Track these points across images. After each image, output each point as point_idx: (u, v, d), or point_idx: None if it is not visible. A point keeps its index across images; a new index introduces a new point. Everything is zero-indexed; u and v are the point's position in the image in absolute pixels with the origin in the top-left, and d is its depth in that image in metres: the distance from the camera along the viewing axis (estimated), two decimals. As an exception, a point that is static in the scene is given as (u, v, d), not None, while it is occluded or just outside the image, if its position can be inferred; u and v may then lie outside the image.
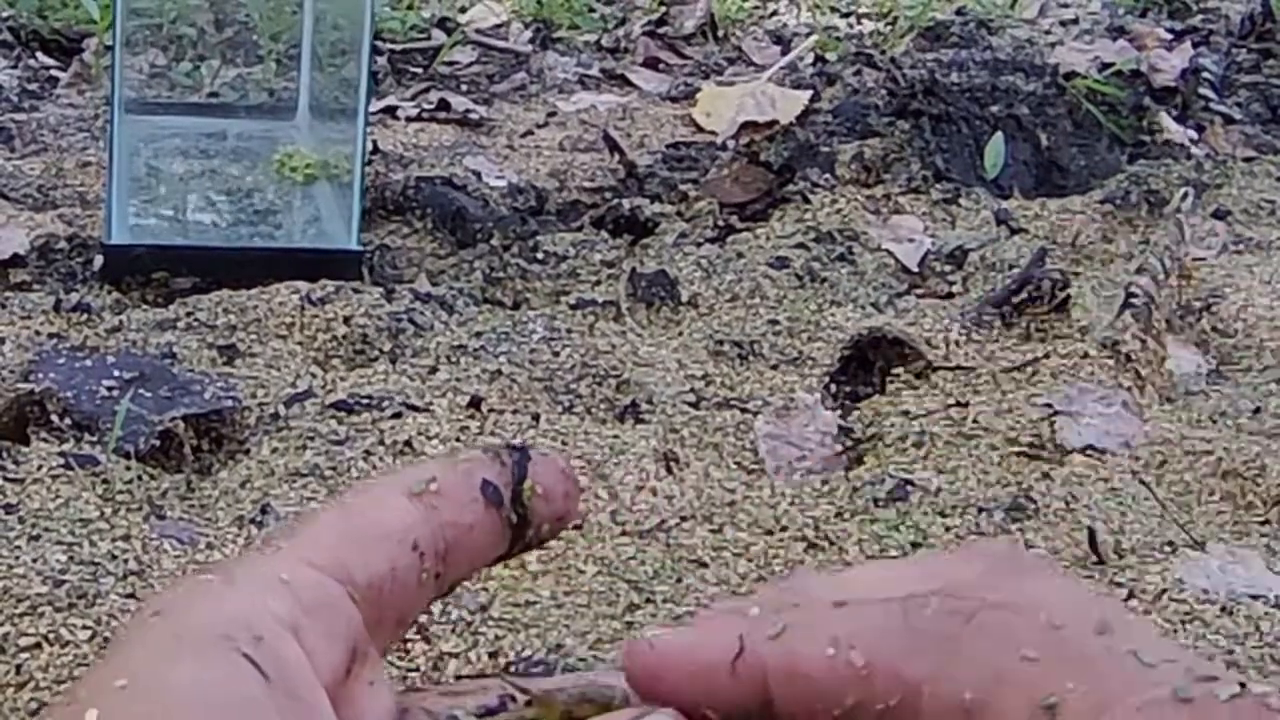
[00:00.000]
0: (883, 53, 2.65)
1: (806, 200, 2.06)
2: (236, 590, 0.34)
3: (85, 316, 1.65)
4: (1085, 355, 1.59)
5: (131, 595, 1.19)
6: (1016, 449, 1.47)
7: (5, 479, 1.32)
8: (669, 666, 0.36)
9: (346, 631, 0.35)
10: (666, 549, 1.30)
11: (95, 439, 1.39)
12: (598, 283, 1.84)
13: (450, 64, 2.77)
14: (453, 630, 1.18)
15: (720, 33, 3.05)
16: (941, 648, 0.33)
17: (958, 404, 1.53)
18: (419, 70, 2.73)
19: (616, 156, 2.26)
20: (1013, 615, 0.33)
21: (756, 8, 3.24)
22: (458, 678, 1.11)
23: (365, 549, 0.36)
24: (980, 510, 1.36)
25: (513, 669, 1.15)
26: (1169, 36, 2.80)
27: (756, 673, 0.35)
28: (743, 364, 1.64)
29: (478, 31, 2.92)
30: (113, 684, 0.31)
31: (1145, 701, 0.31)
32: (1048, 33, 2.95)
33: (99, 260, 1.78)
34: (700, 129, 2.44)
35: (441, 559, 0.38)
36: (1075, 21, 3.09)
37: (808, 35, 2.98)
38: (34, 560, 1.22)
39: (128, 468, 1.35)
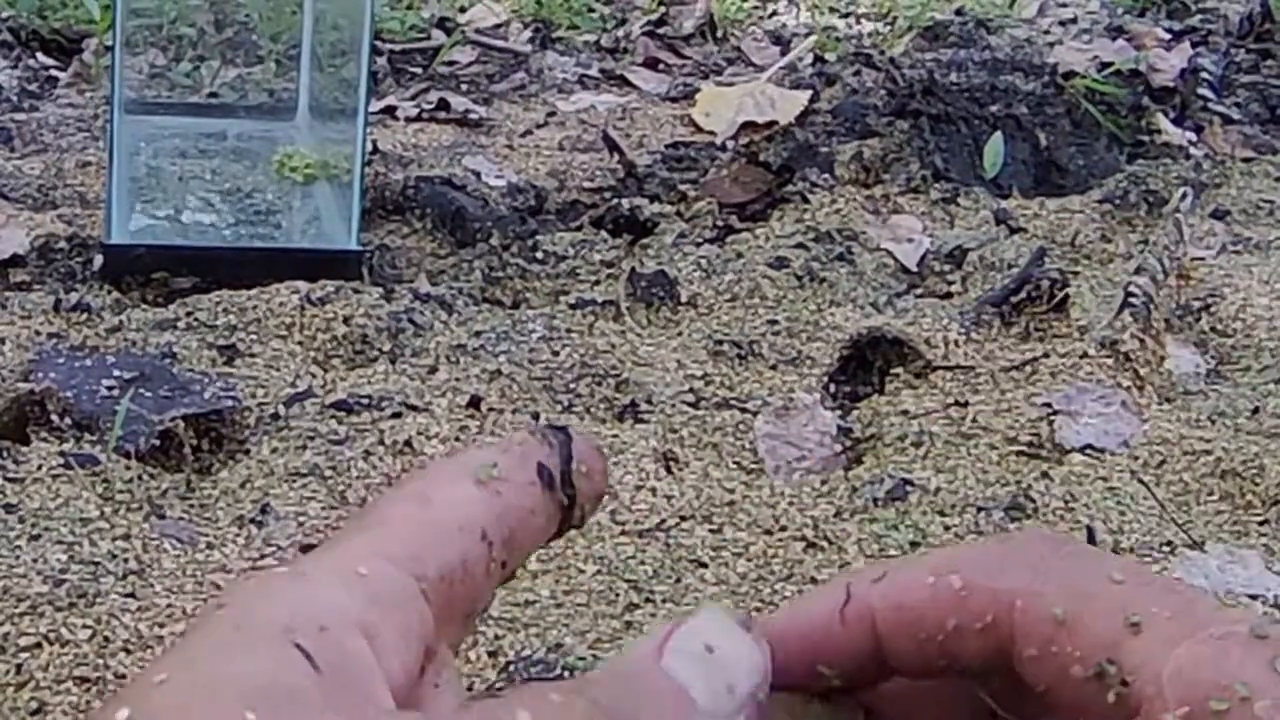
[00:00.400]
0: (882, 53, 2.65)
1: (806, 200, 2.06)
2: (306, 583, 0.33)
3: (85, 316, 1.65)
4: (1084, 355, 1.59)
5: (131, 594, 1.20)
6: (1015, 448, 1.47)
7: (5, 478, 1.32)
8: (782, 633, 0.37)
9: (421, 630, 0.34)
10: (666, 548, 1.30)
11: (95, 439, 1.39)
12: (597, 282, 1.84)
13: (450, 64, 2.77)
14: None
15: (719, 33, 3.05)
16: (1034, 567, 0.35)
17: (957, 403, 1.53)
18: (418, 70, 2.74)
19: (616, 156, 2.26)
20: (1095, 553, 0.36)
21: (756, 8, 3.24)
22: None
23: (438, 541, 0.36)
24: (979, 509, 1.36)
25: (512, 668, 1.15)
26: (1168, 36, 2.80)
27: (865, 615, 0.36)
28: (742, 364, 1.64)
29: (477, 31, 2.92)
30: (154, 679, 0.31)
31: (1225, 633, 0.33)
32: (1046, 32, 2.95)
33: (99, 260, 1.78)
34: (699, 129, 2.45)
35: (506, 546, 0.37)
36: (1074, 21, 3.09)
37: (807, 36, 2.98)
38: (34, 560, 1.22)
39: (128, 467, 1.35)
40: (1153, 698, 0.33)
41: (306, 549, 1.23)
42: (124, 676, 1.12)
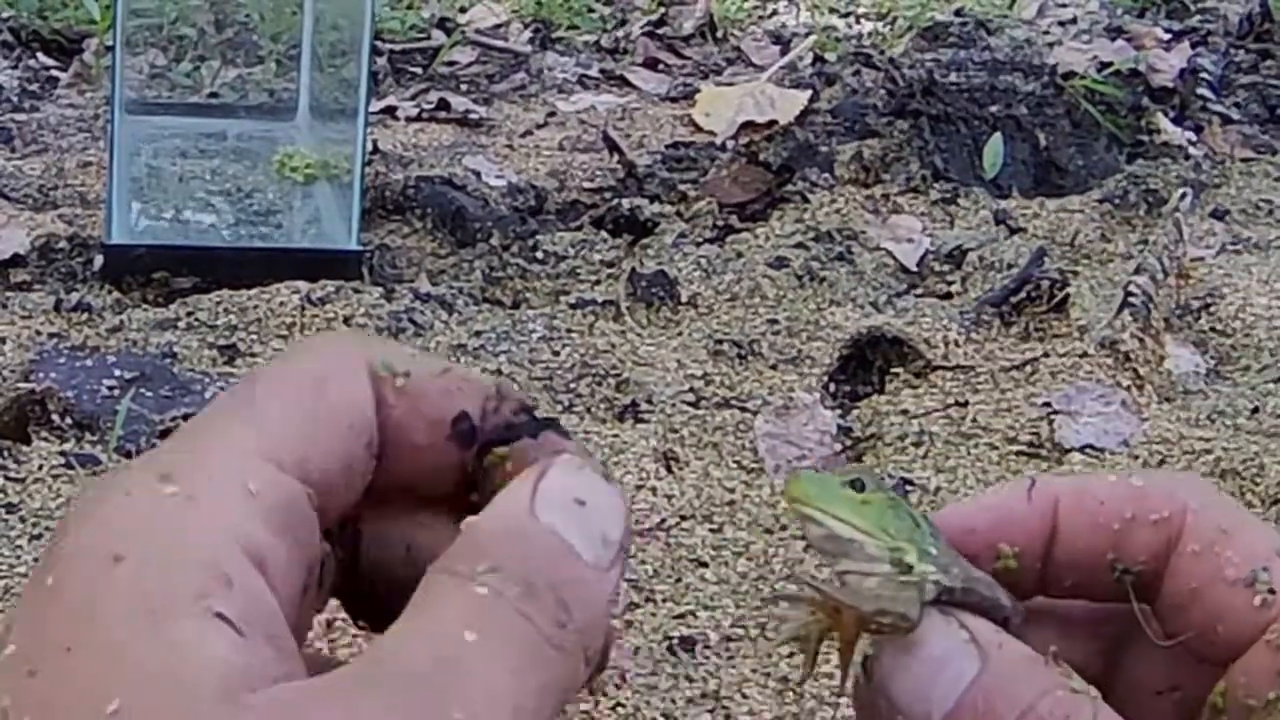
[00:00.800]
0: (882, 53, 2.66)
1: (806, 200, 2.06)
2: (201, 513, 0.31)
3: (86, 316, 1.65)
4: (1084, 354, 1.59)
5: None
6: (1015, 448, 1.47)
7: (6, 478, 1.32)
8: (971, 513, 0.40)
9: (307, 547, 0.33)
10: (666, 548, 1.30)
11: (96, 438, 1.39)
12: (597, 282, 1.84)
13: (450, 64, 2.78)
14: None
15: (719, 33, 3.05)
16: (1203, 491, 0.40)
17: (957, 403, 1.53)
18: (419, 70, 2.74)
19: (616, 156, 2.26)
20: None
21: (756, 8, 3.25)
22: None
23: (326, 440, 0.34)
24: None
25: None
26: (1167, 36, 2.80)
27: (1049, 496, 0.40)
28: (742, 363, 1.64)
29: (477, 32, 2.92)
30: (60, 647, 0.29)
31: None
32: (1046, 33, 2.96)
33: (99, 260, 1.78)
34: (699, 129, 2.45)
35: (378, 460, 0.36)
36: (1074, 22, 3.09)
37: (807, 35, 2.98)
38: (35, 559, 1.22)
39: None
40: None
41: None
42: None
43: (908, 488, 1.39)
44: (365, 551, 0.37)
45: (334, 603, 0.38)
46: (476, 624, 0.31)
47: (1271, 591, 0.37)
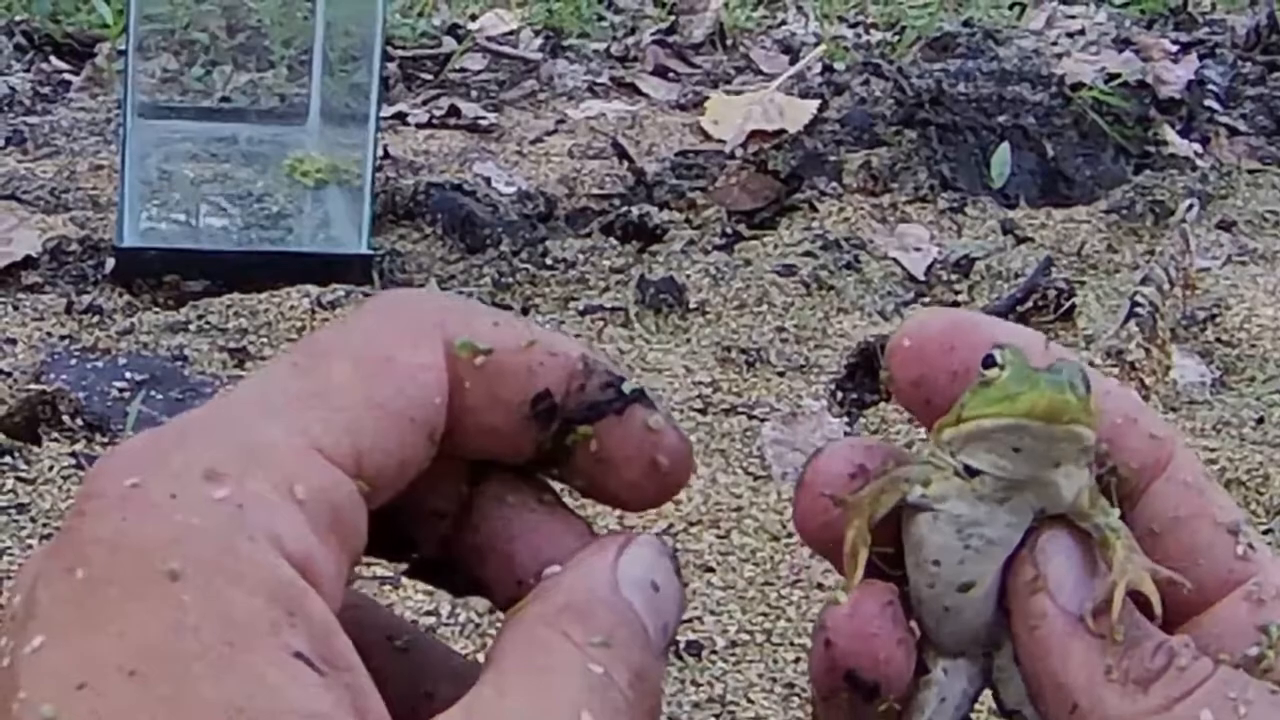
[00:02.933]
0: (890, 62, 2.66)
1: (814, 208, 2.07)
2: (251, 527, 0.29)
3: (97, 318, 1.66)
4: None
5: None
6: (1021, 456, 1.47)
7: (17, 478, 1.33)
8: (1000, 328, 0.38)
9: (353, 545, 0.32)
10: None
11: (106, 439, 1.40)
12: (606, 289, 1.85)
13: (460, 71, 2.78)
14: (460, 632, 1.18)
15: (729, 42, 3.06)
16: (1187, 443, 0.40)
17: (963, 411, 1.54)
18: (429, 77, 2.75)
19: (625, 164, 2.27)
20: None
21: (765, 17, 3.26)
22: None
23: (386, 433, 0.32)
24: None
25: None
26: (1174, 48, 2.81)
27: (1060, 357, 0.38)
28: (750, 370, 1.65)
29: (488, 39, 2.93)
30: (120, 669, 0.28)
31: None
32: (1054, 44, 2.96)
33: (110, 263, 1.79)
34: (709, 137, 2.45)
35: (444, 442, 0.34)
36: (1081, 33, 3.10)
37: (816, 45, 2.99)
38: (46, 559, 1.22)
39: (139, 468, 1.36)
40: (1275, 561, 0.37)
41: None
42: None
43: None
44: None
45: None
46: (592, 708, 0.31)
47: (1252, 546, 0.37)
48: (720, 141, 2.40)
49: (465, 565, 0.37)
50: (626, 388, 0.35)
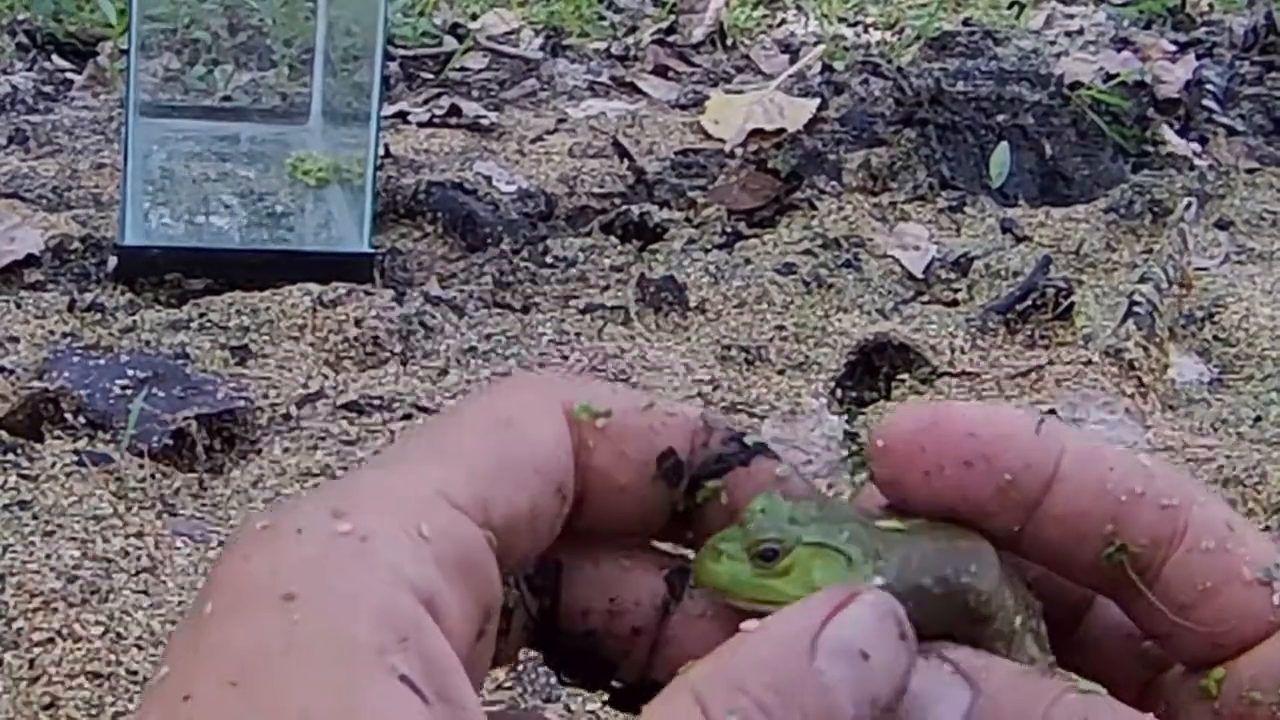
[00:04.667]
0: (890, 62, 2.67)
1: (813, 207, 2.07)
2: (372, 558, 0.30)
3: (99, 316, 1.67)
4: (1088, 362, 1.60)
5: (144, 591, 1.21)
6: (1019, 454, 1.48)
7: (20, 476, 1.33)
8: (980, 417, 0.36)
9: (483, 592, 0.32)
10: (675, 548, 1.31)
11: (109, 437, 1.40)
12: (606, 287, 1.86)
13: (461, 70, 2.79)
14: None
15: (729, 41, 3.07)
16: (1203, 485, 0.37)
17: (962, 410, 1.54)
18: (430, 76, 2.75)
19: (626, 163, 2.27)
20: None
21: (765, 17, 3.26)
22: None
23: (511, 483, 0.33)
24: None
25: (520, 668, 1.16)
26: (1173, 48, 2.81)
27: (1058, 438, 0.36)
28: (750, 369, 1.66)
29: (489, 38, 2.94)
30: (222, 680, 0.28)
31: None
32: (1053, 44, 2.97)
33: (113, 261, 1.79)
34: (709, 136, 2.46)
35: (574, 505, 0.34)
36: (1080, 33, 3.10)
37: (815, 44, 3.00)
38: (48, 556, 1.23)
39: (141, 466, 1.37)
40: None
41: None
42: (136, 672, 1.13)
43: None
44: (565, 599, 0.36)
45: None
46: None
47: None
48: (720, 141, 2.40)
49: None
50: (749, 440, 0.36)
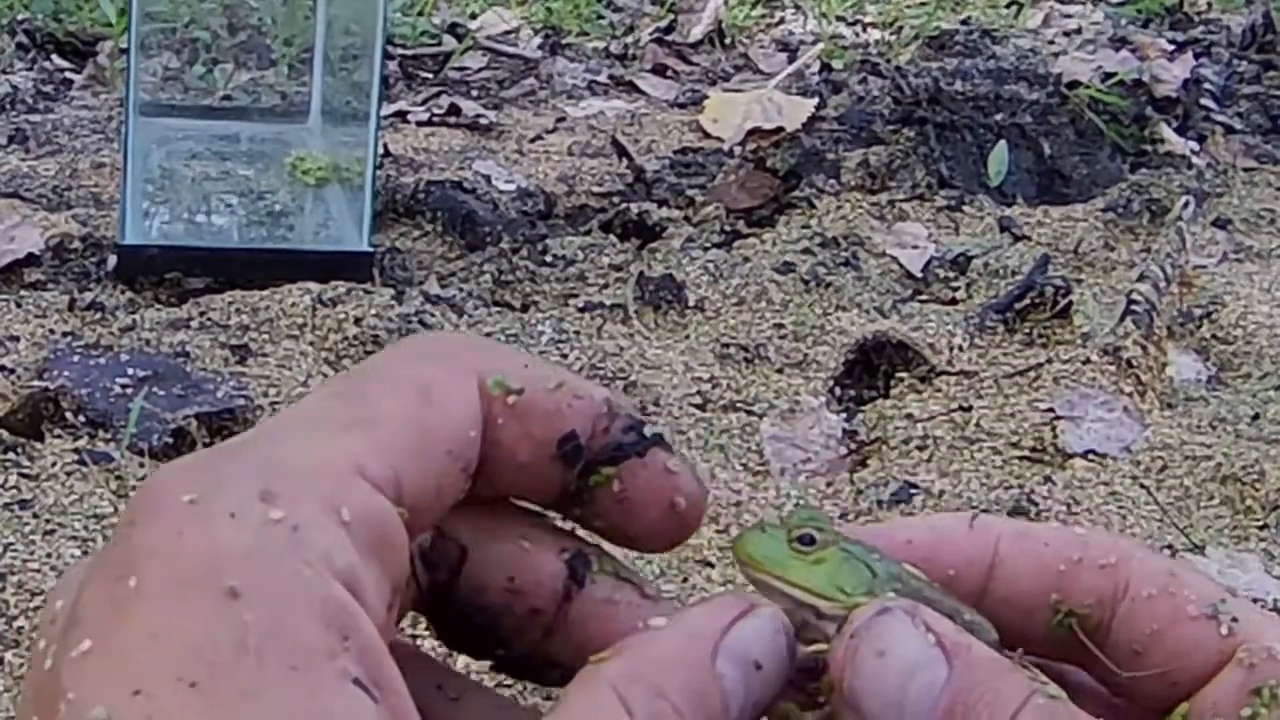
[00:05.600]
0: (888, 61, 2.67)
1: (812, 206, 2.08)
2: (306, 549, 0.30)
3: (99, 315, 1.67)
4: (1087, 361, 1.60)
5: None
6: (1019, 453, 1.48)
7: (21, 475, 1.33)
8: (914, 532, 0.39)
9: (395, 570, 0.32)
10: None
11: (109, 436, 1.40)
12: (606, 286, 1.86)
13: (461, 69, 2.79)
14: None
15: (727, 40, 3.07)
16: (1139, 543, 0.41)
17: (961, 408, 1.55)
18: (429, 75, 2.76)
19: (625, 162, 2.28)
20: None
21: (764, 16, 3.26)
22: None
23: (424, 461, 0.33)
24: (982, 513, 1.38)
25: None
26: (1171, 47, 2.82)
27: (991, 530, 0.40)
28: (749, 367, 1.66)
29: (488, 38, 2.94)
30: (180, 680, 0.28)
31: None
32: (1051, 43, 2.97)
33: (113, 260, 1.80)
34: (707, 135, 2.46)
35: (472, 477, 0.35)
36: (1078, 32, 3.11)
37: (814, 43, 3.00)
38: (48, 555, 1.23)
39: (141, 464, 1.37)
40: (1261, 623, 0.37)
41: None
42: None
43: (912, 491, 1.41)
44: (464, 575, 0.36)
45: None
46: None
47: (1235, 619, 0.38)
48: (719, 139, 2.41)
49: (561, 661, 0.37)
50: (648, 431, 0.37)
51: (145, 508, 0.31)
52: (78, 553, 1.24)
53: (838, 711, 0.36)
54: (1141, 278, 1.74)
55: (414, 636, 0.50)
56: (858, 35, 3.18)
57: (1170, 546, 1.35)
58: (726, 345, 1.69)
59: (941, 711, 0.34)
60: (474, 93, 2.69)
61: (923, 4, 3.35)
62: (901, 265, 1.95)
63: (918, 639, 0.35)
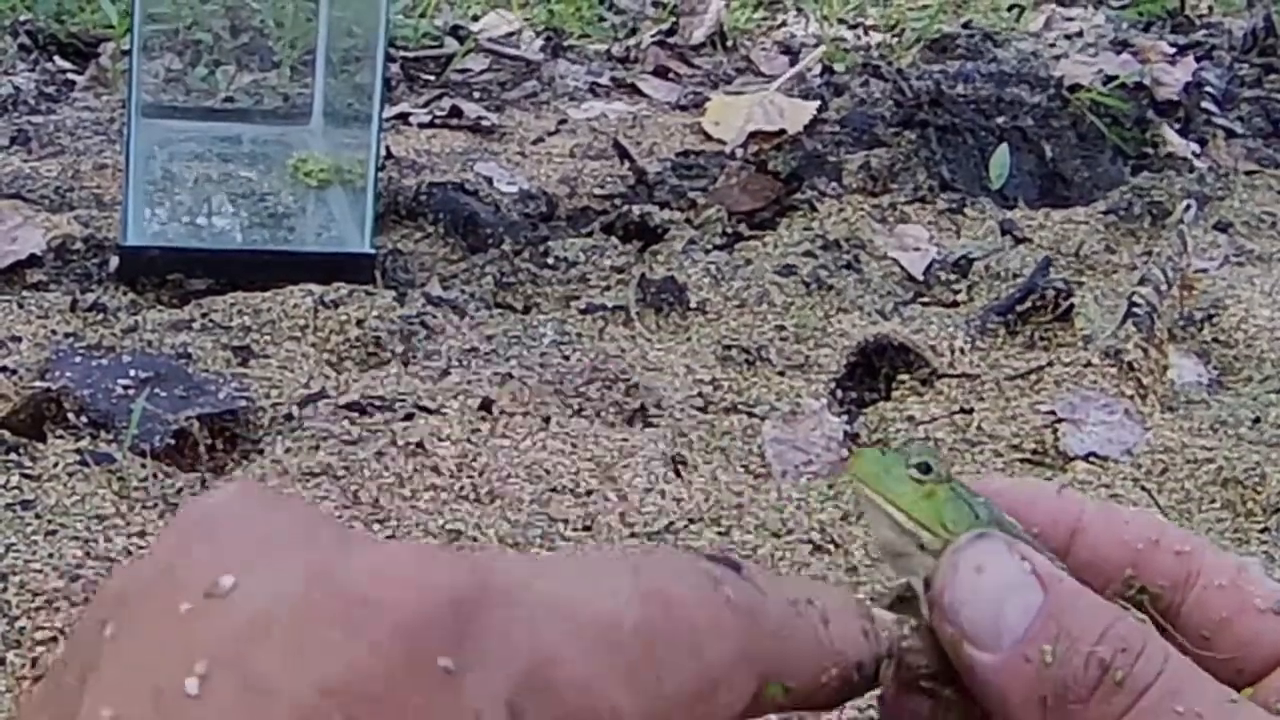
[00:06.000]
0: (890, 64, 2.67)
1: (814, 208, 2.08)
2: None
3: (101, 316, 1.67)
4: (1088, 364, 1.61)
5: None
6: (1020, 455, 1.49)
7: (22, 475, 1.33)
8: (1002, 488, 0.43)
9: None
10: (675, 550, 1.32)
11: (111, 437, 1.40)
12: (607, 288, 1.86)
13: (463, 71, 2.80)
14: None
15: (729, 43, 3.07)
16: (1209, 540, 0.44)
17: (962, 410, 1.55)
18: (432, 77, 2.76)
19: (626, 164, 2.28)
20: None
21: (765, 19, 3.27)
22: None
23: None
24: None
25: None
26: (1172, 50, 2.82)
27: (1077, 502, 0.43)
28: (750, 369, 1.66)
29: (490, 39, 2.94)
30: None
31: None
32: (1052, 46, 2.97)
33: (115, 261, 1.80)
34: (709, 137, 2.47)
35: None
36: (1079, 35, 3.11)
37: (815, 46, 3.00)
38: (50, 555, 1.23)
39: (143, 465, 1.37)
40: None
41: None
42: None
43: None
44: None
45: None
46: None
47: None
48: (721, 142, 2.41)
49: None
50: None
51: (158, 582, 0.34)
52: (79, 553, 1.24)
53: (937, 627, 0.39)
54: (1143, 281, 1.74)
55: None
56: (859, 38, 3.18)
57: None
58: (728, 347, 1.69)
59: (1039, 632, 0.37)
60: (476, 95, 2.70)
61: (924, 7, 3.35)
62: (903, 268, 1.95)
63: (1015, 563, 0.38)
